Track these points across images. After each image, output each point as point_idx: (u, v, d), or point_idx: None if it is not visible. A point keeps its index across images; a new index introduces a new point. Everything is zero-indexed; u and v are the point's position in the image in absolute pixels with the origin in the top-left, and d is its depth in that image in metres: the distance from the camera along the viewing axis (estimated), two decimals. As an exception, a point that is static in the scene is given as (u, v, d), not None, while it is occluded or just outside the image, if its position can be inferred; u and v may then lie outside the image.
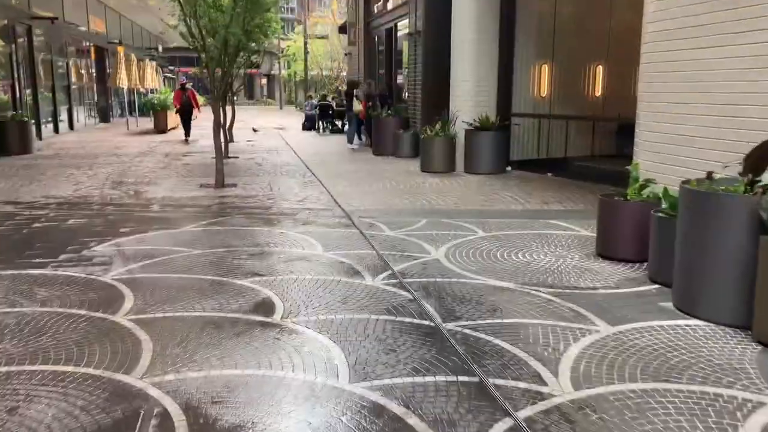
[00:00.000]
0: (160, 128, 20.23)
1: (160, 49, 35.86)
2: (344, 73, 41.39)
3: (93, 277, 4.95)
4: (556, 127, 11.93)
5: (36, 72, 16.48)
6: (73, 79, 22.05)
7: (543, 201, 8.29)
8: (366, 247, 5.92)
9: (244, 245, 5.97)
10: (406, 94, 14.77)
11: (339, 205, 8.01)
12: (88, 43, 23.33)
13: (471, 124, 10.84)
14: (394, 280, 4.90)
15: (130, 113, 25.47)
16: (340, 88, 37.16)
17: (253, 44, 13.30)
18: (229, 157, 13.66)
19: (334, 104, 22.72)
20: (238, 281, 4.85)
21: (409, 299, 4.46)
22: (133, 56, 23.07)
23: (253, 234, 6.48)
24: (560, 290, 4.67)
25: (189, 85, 18.33)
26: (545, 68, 11.80)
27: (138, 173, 11.04)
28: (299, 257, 5.59)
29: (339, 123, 22.04)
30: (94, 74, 24.17)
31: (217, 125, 9.59)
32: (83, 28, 22.09)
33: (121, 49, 23.43)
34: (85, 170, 11.35)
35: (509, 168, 11.16)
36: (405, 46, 16.09)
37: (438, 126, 11.19)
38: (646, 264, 5.08)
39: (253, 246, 5.95)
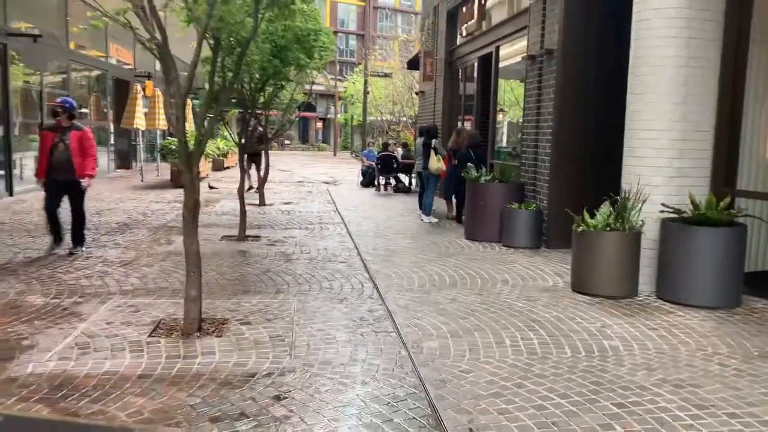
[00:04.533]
0: (179, 181, 15.79)
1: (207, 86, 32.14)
2: (405, 118, 36.80)
3: None
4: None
5: (8, 106, 12.30)
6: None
7: None
8: None
9: None
10: (520, 146, 9.76)
11: (452, 445, 3.05)
12: (107, 75, 19.44)
13: (679, 212, 5.75)
14: None
15: (155, 159, 21.45)
16: (395, 136, 32.31)
17: (291, 68, 8.64)
18: (248, 237, 8.95)
19: (398, 155, 17.94)
20: None
21: None
22: (158, 91, 19.01)
23: None
24: None
25: (76, 120, 7.88)
26: (792, 110, 6.70)
27: (70, 280, 6.34)
28: None
29: (405, 179, 17.30)
30: (113, 112, 20.18)
31: (192, 215, 4.76)
32: (100, 56, 18.13)
33: (149, 85, 19.48)
34: (-3, 265, 6.76)
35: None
36: (502, 81, 11.27)
37: (608, 209, 6.13)
38: None
39: None
